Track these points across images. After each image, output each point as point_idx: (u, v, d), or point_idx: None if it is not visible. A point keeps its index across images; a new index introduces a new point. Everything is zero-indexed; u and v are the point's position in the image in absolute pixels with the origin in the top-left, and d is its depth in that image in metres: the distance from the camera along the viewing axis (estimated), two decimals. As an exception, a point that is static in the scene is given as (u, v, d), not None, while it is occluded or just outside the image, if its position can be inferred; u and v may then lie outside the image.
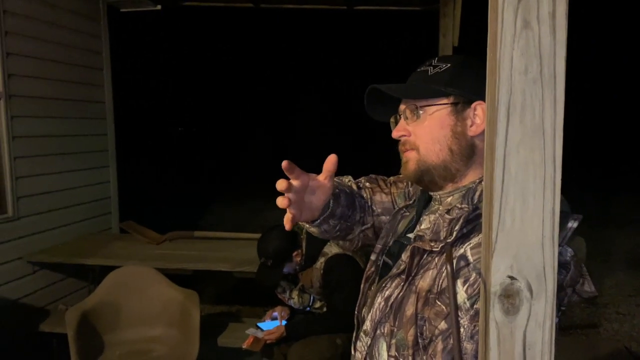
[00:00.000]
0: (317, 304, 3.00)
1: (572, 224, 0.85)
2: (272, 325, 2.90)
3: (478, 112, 1.01)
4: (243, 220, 8.25)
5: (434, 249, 0.96)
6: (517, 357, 0.62)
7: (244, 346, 2.84)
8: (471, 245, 0.92)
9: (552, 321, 0.61)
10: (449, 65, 1.04)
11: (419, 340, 0.95)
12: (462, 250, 0.93)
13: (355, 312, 1.16)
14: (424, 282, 0.97)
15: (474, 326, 0.88)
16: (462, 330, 0.88)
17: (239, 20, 16.03)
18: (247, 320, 3.67)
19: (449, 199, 1.06)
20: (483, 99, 0.98)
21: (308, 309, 3.00)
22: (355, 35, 16.44)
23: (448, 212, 1.00)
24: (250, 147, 18.13)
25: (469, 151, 1.02)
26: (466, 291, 0.89)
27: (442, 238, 0.95)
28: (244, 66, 18.96)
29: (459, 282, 0.91)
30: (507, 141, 0.59)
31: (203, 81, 19.03)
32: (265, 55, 18.78)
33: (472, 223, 0.94)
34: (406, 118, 1.06)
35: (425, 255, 0.99)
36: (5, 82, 3.59)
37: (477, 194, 1.01)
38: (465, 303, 0.89)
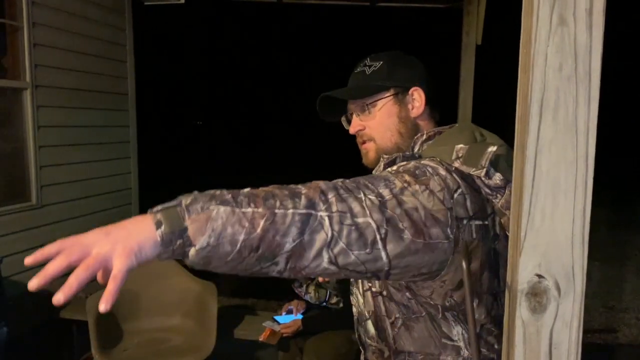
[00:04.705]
0: (334, 299, 3.00)
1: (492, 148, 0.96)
2: (288, 318, 2.91)
3: (415, 97, 1.19)
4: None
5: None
6: (543, 356, 0.61)
7: (261, 339, 2.86)
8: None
9: (580, 321, 0.61)
10: (381, 62, 1.21)
11: None
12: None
13: None
14: None
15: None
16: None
17: (261, 15, 16.06)
18: (262, 313, 3.69)
19: None
20: (416, 85, 1.19)
21: (324, 304, 3.00)
22: (378, 31, 16.37)
23: None
24: (269, 140, 18.18)
25: (415, 129, 1.19)
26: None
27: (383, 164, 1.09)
28: (265, 60, 19.01)
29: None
30: (539, 139, 0.58)
31: (223, 75, 19.11)
32: (287, 50, 18.80)
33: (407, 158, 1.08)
34: (358, 115, 1.22)
35: None
36: (32, 72, 3.64)
37: (417, 145, 1.16)
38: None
